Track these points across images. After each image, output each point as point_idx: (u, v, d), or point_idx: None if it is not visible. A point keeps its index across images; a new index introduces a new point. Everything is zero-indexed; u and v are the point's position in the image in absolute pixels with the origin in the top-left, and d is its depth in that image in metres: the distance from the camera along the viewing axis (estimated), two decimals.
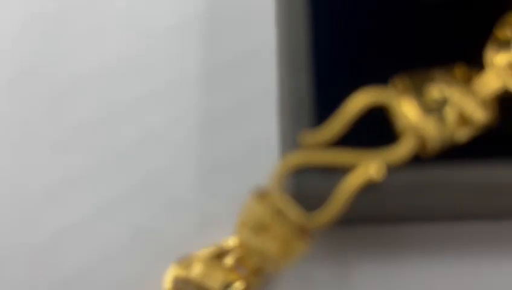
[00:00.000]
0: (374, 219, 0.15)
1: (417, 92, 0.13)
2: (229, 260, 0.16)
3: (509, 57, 0.15)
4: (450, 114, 0.13)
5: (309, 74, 0.14)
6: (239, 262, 0.16)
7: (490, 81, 0.14)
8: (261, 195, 0.13)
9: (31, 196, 0.16)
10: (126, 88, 0.18)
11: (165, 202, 0.15)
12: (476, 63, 0.15)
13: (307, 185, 0.13)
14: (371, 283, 0.16)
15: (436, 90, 0.13)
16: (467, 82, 0.14)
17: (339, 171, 0.13)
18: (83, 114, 0.17)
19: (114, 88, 0.18)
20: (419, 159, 0.13)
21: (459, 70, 0.14)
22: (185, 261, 0.16)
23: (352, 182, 0.12)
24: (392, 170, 0.12)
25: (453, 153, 0.14)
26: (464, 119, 0.14)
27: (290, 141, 0.13)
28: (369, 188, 0.12)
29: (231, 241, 0.16)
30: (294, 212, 0.12)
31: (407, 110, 0.13)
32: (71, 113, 0.17)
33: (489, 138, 0.14)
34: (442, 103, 0.13)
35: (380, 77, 0.14)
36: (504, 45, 0.15)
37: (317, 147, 0.13)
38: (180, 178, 0.16)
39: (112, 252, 0.16)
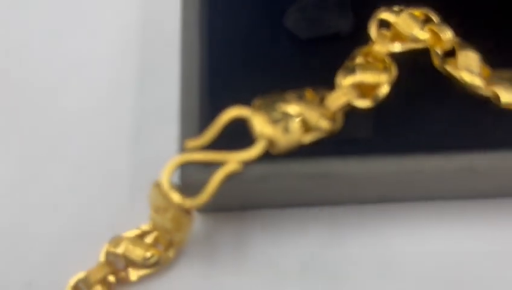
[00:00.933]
0: (250, 205, 0.20)
1: (268, 108, 0.18)
2: (148, 239, 0.21)
3: (352, 80, 0.20)
4: (295, 124, 0.18)
5: (198, 97, 0.19)
6: (156, 240, 0.21)
7: (337, 98, 0.19)
8: (156, 185, 0.18)
9: None
10: None
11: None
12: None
13: (188, 177, 0.17)
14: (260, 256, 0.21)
15: (285, 106, 0.18)
16: (316, 100, 0.19)
17: (212, 166, 0.17)
18: None
19: None
20: (272, 156, 0.18)
21: (309, 92, 0.19)
22: (115, 240, 0.21)
23: (220, 174, 0.17)
24: (249, 164, 0.17)
25: (313, 150, 0.18)
26: (308, 127, 0.18)
27: (181, 143, 0.18)
28: (233, 178, 0.17)
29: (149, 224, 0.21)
30: (177, 196, 0.17)
31: (258, 122, 0.17)
32: None
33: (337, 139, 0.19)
34: (289, 115, 0.18)
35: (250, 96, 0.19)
36: (350, 70, 0.20)
37: (198, 149, 0.18)
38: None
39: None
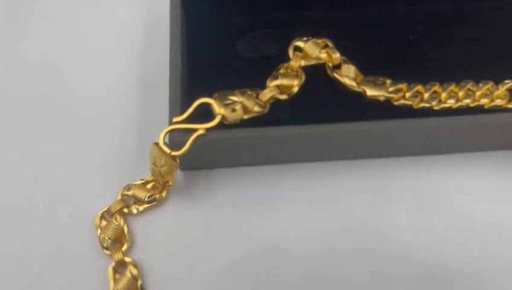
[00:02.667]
0: (214, 164, 0.31)
1: (222, 98, 0.30)
2: (149, 186, 0.32)
3: (276, 82, 0.31)
4: (238, 107, 0.30)
5: (180, 91, 0.31)
6: (153, 186, 0.32)
7: (267, 93, 0.31)
8: (155, 144, 0.29)
9: None
10: None
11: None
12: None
13: (174, 138, 0.29)
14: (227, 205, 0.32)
15: (232, 97, 0.30)
16: (254, 95, 0.31)
17: (189, 132, 0.29)
18: None
19: None
20: (224, 126, 0.30)
21: (249, 90, 0.31)
22: (127, 187, 0.32)
23: (193, 136, 0.29)
24: (210, 131, 0.29)
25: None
26: (247, 110, 0.30)
27: (170, 119, 0.30)
28: (200, 139, 0.29)
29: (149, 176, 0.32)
30: (167, 149, 0.29)
31: (216, 106, 0.29)
32: None
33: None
34: (235, 102, 0.30)
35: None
36: (275, 77, 0.32)
37: (180, 122, 0.29)
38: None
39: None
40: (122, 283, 0.29)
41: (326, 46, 0.32)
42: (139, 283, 0.29)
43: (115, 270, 0.30)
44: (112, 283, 0.29)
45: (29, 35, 0.38)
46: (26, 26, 0.38)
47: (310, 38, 0.32)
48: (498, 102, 0.31)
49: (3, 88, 0.35)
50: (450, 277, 0.30)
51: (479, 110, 0.31)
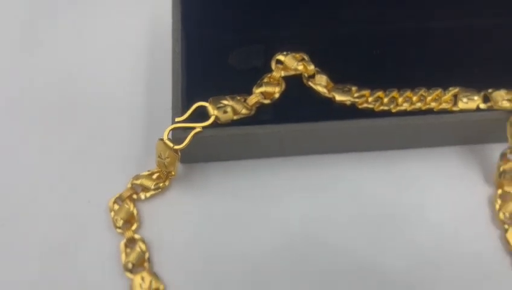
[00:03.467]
0: (209, 158, 0.37)
1: (216, 102, 0.36)
2: (154, 176, 0.38)
3: (261, 90, 0.38)
4: (229, 110, 0.36)
5: (181, 97, 0.37)
6: (158, 177, 0.38)
7: (253, 99, 0.37)
8: (160, 140, 0.35)
9: None
10: None
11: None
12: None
13: (176, 134, 0.35)
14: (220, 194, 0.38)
15: (224, 101, 0.36)
16: (242, 99, 0.37)
17: (188, 129, 0.35)
18: None
19: None
20: (218, 124, 0.36)
21: (238, 96, 0.37)
22: (136, 176, 0.38)
23: (192, 133, 0.35)
24: (206, 128, 0.35)
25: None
26: (236, 112, 0.36)
27: (173, 119, 0.36)
28: (198, 136, 0.35)
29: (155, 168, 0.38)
30: (171, 144, 0.35)
31: (210, 108, 0.35)
32: None
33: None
34: (226, 105, 0.36)
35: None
36: (260, 85, 0.38)
37: (181, 121, 0.35)
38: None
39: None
40: (132, 256, 0.35)
41: (302, 59, 0.39)
42: (146, 255, 0.35)
43: (126, 246, 0.36)
44: (123, 255, 0.35)
45: (46, 45, 0.44)
46: (43, 36, 0.44)
47: (289, 52, 0.39)
48: (444, 105, 0.38)
49: (28, 93, 0.42)
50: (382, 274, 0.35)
51: (429, 112, 0.38)
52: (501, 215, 0.37)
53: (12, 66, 0.43)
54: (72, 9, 0.46)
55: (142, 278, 0.35)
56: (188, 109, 0.36)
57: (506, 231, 0.36)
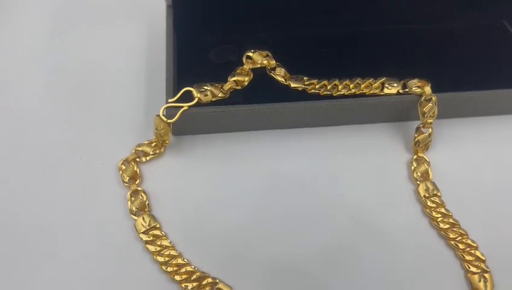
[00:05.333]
0: (195, 131, 0.49)
1: (199, 87, 0.47)
2: (153, 144, 0.50)
3: (234, 78, 0.49)
4: (209, 93, 0.47)
5: (172, 84, 0.48)
6: (156, 145, 0.50)
7: (228, 85, 0.49)
8: (157, 116, 0.47)
9: None
10: None
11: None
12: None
13: (169, 112, 0.47)
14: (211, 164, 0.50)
15: (205, 86, 0.48)
16: (219, 86, 0.49)
17: (178, 108, 0.47)
18: None
19: None
20: (200, 104, 0.47)
21: (216, 83, 0.49)
22: (139, 144, 0.50)
23: (180, 110, 0.46)
24: (191, 107, 0.47)
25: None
26: (214, 95, 0.48)
27: (166, 100, 0.47)
28: (185, 113, 0.47)
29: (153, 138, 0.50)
30: (165, 118, 0.47)
31: (195, 92, 0.47)
32: None
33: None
34: (207, 90, 0.47)
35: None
36: (233, 75, 0.49)
37: (172, 102, 0.47)
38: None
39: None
40: (136, 203, 0.47)
41: (267, 55, 0.50)
42: (146, 203, 0.47)
43: (131, 196, 0.47)
44: (129, 203, 0.47)
45: (67, 44, 0.56)
46: (67, 35, 0.56)
47: (256, 50, 0.50)
48: (374, 91, 0.50)
49: (56, 76, 0.53)
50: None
51: (362, 95, 0.49)
52: (415, 174, 0.49)
53: (47, 58, 0.55)
54: (90, 16, 0.57)
55: (143, 219, 0.46)
56: (177, 92, 0.47)
57: (418, 185, 0.48)
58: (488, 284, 0.43)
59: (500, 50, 0.53)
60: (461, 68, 0.51)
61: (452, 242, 0.45)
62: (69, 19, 0.58)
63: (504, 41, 0.54)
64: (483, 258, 0.44)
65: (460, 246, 0.45)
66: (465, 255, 0.45)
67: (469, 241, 0.45)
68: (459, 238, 0.45)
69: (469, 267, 0.44)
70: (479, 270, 0.44)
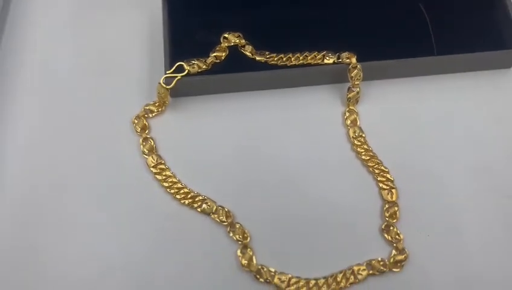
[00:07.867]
0: (189, 94, 0.67)
1: (188, 62, 0.65)
2: (156, 104, 0.68)
3: (214, 54, 0.67)
4: (196, 66, 0.65)
5: (169, 60, 0.66)
6: (159, 105, 0.68)
7: (210, 59, 0.66)
8: (159, 83, 0.65)
9: None
10: None
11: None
12: None
13: (167, 80, 0.64)
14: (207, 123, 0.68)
15: (193, 61, 0.65)
16: (204, 60, 0.66)
17: (173, 77, 0.64)
18: None
19: None
20: (190, 74, 0.65)
21: (202, 58, 0.66)
22: (147, 104, 0.67)
23: (175, 79, 0.64)
24: (184, 78, 0.65)
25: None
26: (200, 68, 0.66)
27: (165, 72, 0.65)
28: (180, 81, 0.64)
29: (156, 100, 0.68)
30: (164, 85, 0.64)
31: (186, 65, 0.65)
32: None
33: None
34: (194, 64, 0.65)
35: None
36: (214, 51, 0.67)
37: (169, 74, 0.65)
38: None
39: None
40: (146, 146, 0.65)
41: (239, 36, 0.68)
42: (154, 146, 0.65)
43: (143, 141, 0.65)
44: (141, 146, 0.65)
45: (88, 28, 0.73)
46: (84, 24, 0.73)
47: (231, 32, 0.68)
48: (317, 61, 0.67)
49: (80, 59, 0.71)
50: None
51: (309, 65, 0.67)
52: (347, 121, 0.67)
53: (73, 39, 0.72)
54: (107, 4, 0.74)
55: (152, 157, 0.65)
56: (172, 66, 0.65)
57: (349, 129, 0.67)
58: (394, 196, 0.63)
59: (415, 29, 0.71)
60: (383, 42, 0.69)
61: (371, 169, 0.64)
62: (90, 6, 0.75)
63: (420, 22, 0.71)
64: (392, 179, 0.64)
65: (376, 171, 0.64)
66: (379, 177, 0.64)
67: (382, 168, 0.64)
68: (376, 166, 0.64)
69: (382, 186, 0.63)
70: (388, 187, 0.63)
